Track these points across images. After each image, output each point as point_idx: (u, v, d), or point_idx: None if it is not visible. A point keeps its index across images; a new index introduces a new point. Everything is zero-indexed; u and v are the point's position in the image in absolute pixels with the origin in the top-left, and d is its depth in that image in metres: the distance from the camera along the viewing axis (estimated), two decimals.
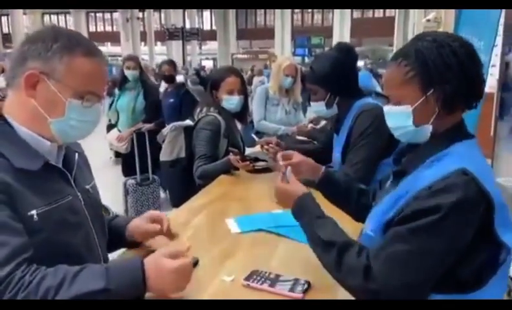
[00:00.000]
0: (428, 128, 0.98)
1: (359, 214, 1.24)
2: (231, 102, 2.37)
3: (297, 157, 1.36)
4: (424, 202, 0.88)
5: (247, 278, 1.12)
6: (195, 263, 1.17)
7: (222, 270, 1.19)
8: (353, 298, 0.96)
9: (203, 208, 1.72)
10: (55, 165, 1.05)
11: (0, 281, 0.85)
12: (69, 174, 1.09)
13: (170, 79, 4.78)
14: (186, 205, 1.78)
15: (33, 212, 0.95)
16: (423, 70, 0.95)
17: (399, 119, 1.00)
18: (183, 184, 2.36)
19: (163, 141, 2.52)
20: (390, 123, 1.05)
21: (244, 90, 2.44)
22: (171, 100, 4.64)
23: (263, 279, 1.12)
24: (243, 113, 2.51)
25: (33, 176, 0.98)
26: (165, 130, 2.49)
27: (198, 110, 2.44)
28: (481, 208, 0.87)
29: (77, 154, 1.16)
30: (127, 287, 0.93)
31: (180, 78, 6.21)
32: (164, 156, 2.48)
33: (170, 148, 2.45)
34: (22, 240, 0.91)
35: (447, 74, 0.93)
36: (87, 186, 1.15)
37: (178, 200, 2.80)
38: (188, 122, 2.49)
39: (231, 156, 2.15)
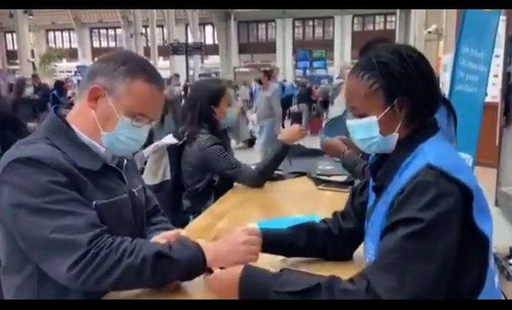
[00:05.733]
0: (395, 136, 1.00)
1: (322, 254, 1.25)
2: (233, 115, 2.30)
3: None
4: (402, 209, 0.88)
5: None
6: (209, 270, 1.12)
7: None
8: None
9: (225, 213, 1.81)
10: (113, 165, 1.17)
11: (88, 242, 0.98)
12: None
13: None
14: (208, 211, 1.87)
15: (94, 202, 1.08)
16: (388, 81, 0.96)
17: (366, 130, 1.01)
18: (170, 209, 2.06)
19: (145, 163, 2.22)
20: (357, 135, 1.05)
21: None
22: None
23: None
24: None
25: (94, 174, 1.10)
26: (146, 152, 2.22)
27: (186, 127, 2.19)
28: (457, 198, 0.86)
29: (126, 160, 1.26)
30: (187, 255, 1.06)
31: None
32: (147, 180, 2.04)
33: (154, 171, 2.21)
34: (95, 213, 1.06)
35: (411, 84, 0.96)
36: (134, 190, 1.25)
37: None
38: (169, 140, 2.25)
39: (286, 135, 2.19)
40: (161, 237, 1.19)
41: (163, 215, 1.42)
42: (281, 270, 1.00)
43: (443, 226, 0.85)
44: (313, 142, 3.29)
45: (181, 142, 2.19)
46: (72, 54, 31.37)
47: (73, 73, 22.40)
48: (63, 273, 0.98)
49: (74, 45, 33.46)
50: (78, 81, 13.16)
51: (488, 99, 3.67)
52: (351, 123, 1.05)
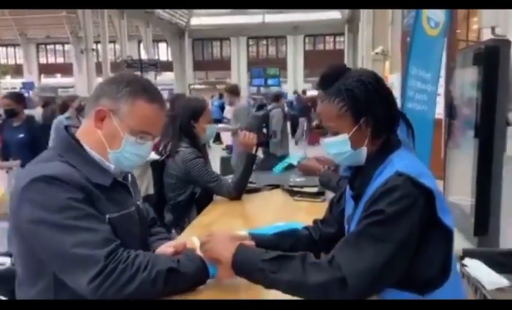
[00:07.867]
0: (364, 149, 1.18)
1: None
2: (213, 130, 2.43)
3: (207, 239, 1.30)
4: (372, 206, 1.06)
5: None
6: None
7: None
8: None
9: (211, 225, 1.91)
10: (122, 181, 1.25)
11: (105, 257, 1.05)
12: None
13: (11, 114, 4.27)
14: (194, 223, 1.95)
15: (107, 216, 1.16)
16: (354, 104, 1.15)
17: (339, 146, 1.19)
18: None
19: None
20: (332, 151, 1.22)
21: None
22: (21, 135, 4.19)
23: None
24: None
25: (106, 189, 1.18)
26: None
27: (166, 141, 2.29)
28: (422, 201, 1.04)
29: (130, 175, 1.35)
30: (193, 269, 1.18)
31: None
32: None
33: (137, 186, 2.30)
34: (109, 228, 1.13)
35: (373, 106, 1.15)
36: (138, 202, 1.34)
37: None
38: (152, 155, 2.29)
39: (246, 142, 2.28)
40: (167, 246, 1.29)
41: (160, 226, 1.52)
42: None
43: (401, 219, 1.03)
44: (314, 152, 4.31)
45: (163, 157, 2.27)
46: (17, 70, 30.00)
47: (18, 90, 21.43)
48: (83, 286, 1.05)
49: (20, 61, 32.02)
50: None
51: (435, 116, 4.01)
52: (326, 140, 1.23)
